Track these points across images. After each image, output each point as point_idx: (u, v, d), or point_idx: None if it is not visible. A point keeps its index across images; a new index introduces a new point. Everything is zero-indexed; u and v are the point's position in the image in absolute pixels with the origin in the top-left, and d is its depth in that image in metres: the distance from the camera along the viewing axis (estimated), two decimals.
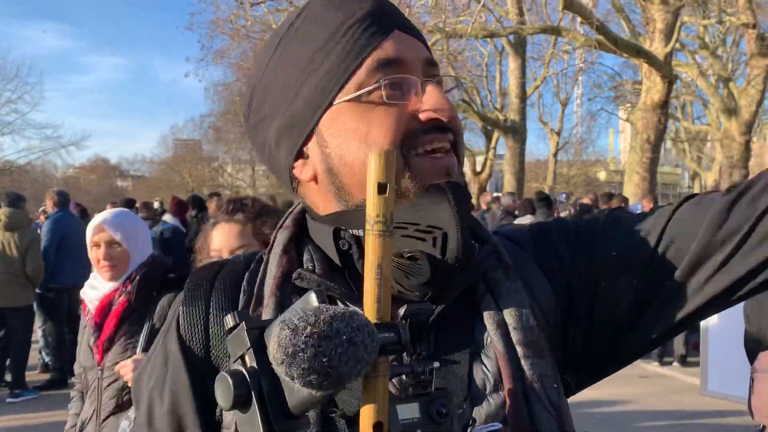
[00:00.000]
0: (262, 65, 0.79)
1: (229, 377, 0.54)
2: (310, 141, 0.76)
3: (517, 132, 17.50)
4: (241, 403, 0.54)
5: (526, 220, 7.43)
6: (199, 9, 32.95)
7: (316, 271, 0.75)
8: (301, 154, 0.77)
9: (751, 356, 2.69)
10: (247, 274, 0.78)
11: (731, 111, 15.44)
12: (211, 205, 8.59)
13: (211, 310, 0.76)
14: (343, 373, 0.49)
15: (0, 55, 43.20)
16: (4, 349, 6.28)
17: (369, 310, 0.55)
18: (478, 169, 23.33)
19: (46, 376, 6.65)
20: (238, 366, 0.55)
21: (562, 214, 8.34)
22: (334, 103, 0.73)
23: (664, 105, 11.95)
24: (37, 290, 6.38)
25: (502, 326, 0.73)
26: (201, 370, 0.73)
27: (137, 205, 8.61)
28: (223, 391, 0.54)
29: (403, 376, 0.61)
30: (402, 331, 0.55)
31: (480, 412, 0.70)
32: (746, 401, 2.74)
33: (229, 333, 0.57)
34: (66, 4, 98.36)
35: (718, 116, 17.98)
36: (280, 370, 0.50)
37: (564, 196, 20.66)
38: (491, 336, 0.73)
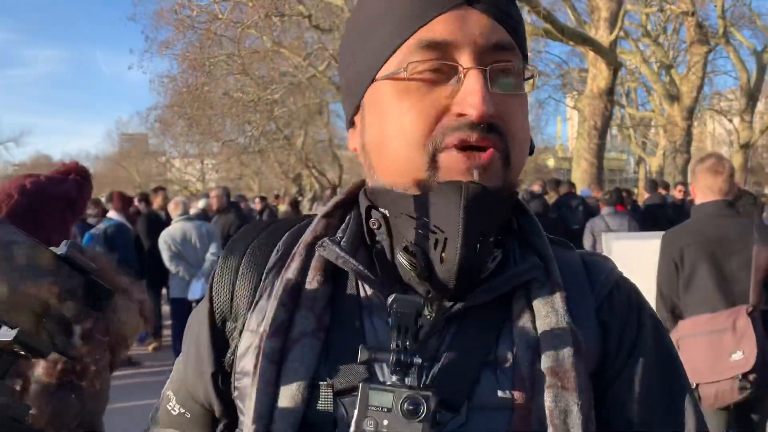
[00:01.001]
0: (350, 17, 0.78)
1: None
2: (358, 113, 0.75)
3: None
4: None
5: None
6: None
7: (342, 243, 0.72)
8: (353, 123, 0.77)
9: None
10: (287, 233, 0.78)
11: (673, 97, 15.93)
12: (157, 200, 8.38)
13: (250, 258, 0.77)
14: None
15: None
16: None
17: None
18: None
19: None
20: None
21: None
22: (376, 78, 0.70)
23: (609, 92, 12.21)
24: None
25: (533, 347, 0.66)
26: (222, 317, 0.77)
27: None
28: None
29: (390, 364, 0.58)
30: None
31: (473, 427, 0.63)
32: None
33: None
34: None
35: (661, 102, 18.51)
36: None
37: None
38: (517, 353, 0.66)
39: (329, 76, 15.84)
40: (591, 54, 12.06)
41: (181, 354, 0.84)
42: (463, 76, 0.65)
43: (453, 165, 0.65)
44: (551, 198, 7.82)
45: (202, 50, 14.17)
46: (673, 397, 0.70)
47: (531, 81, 0.73)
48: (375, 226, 0.72)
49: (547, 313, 0.67)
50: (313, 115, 22.79)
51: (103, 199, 9.60)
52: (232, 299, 0.76)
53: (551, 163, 38.95)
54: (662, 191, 8.47)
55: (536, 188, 8.01)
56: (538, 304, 0.68)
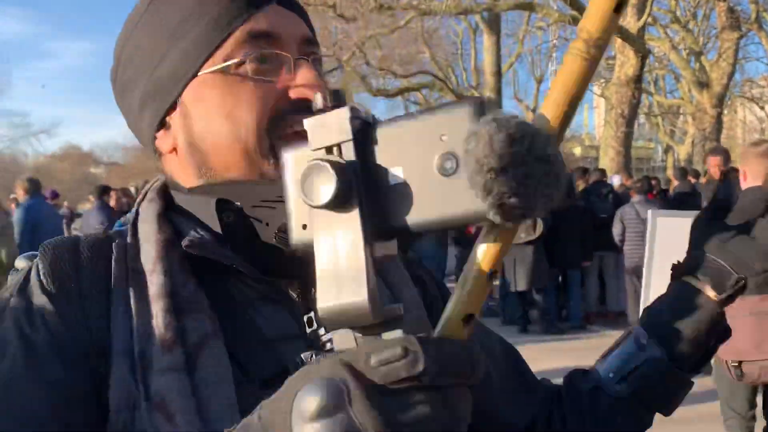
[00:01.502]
0: (131, 24, 0.74)
1: (329, 166, 0.43)
2: (174, 111, 0.72)
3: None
4: (341, 200, 0.43)
5: None
6: None
7: (204, 239, 0.69)
8: (163, 124, 0.73)
9: None
10: (113, 246, 0.69)
11: (703, 84, 15.62)
12: None
13: (83, 274, 0.65)
14: (533, 209, 0.39)
15: None
16: None
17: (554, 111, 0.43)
18: None
19: None
20: (325, 156, 0.45)
21: None
22: (200, 73, 0.69)
23: (637, 79, 12.03)
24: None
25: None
26: (83, 343, 0.62)
27: (114, 191, 8.49)
28: (320, 181, 0.43)
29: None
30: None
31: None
32: None
33: (315, 112, 0.47)
34: None
35: (690, 90, 18.17)
36: (482, 179, 0.38)
37: None
38: None
39: (353, 66, 15.85)
40: (618, 41, 11.89)
41: None
42: (293, 66, 0.69)
43: None
44: (578, 186, 7.77)
45: None
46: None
47: (334, 71, 0.79)
48: (229, 219, 0.69)
49: (390, 271, 0.72)
50: None
51: (132, 189, 9.78)
52: (84, 321, 0.63)
53: (578, 151, 38.52)
54: (691, 179, 8.34)
55: None
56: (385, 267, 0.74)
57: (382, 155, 0.45)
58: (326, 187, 0.43)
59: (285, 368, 0.60)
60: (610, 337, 6.68)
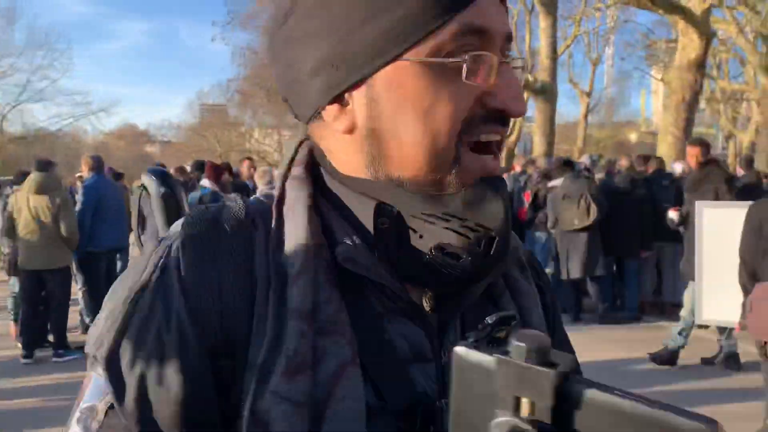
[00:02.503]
0: None
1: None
2: (358, 89, 0.64)
3: (547, 93, 17.17)
4: None
5: (559, 182, 7.34)
6: None
7: (358, 248, 0.63)
8: (340, 98, 0.65)
9: (745, 289, 3.43)
10: (257, 234, 0.64)
11: None
12: (243, 169, 8.64)
13: (223, 263, 0.61)
14: None
15: (29, 22, 43.40)
16: (45, 311, 6.45)
17: None
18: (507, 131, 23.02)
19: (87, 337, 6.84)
20: (517, 422, 0.39)
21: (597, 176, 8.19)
22: (404, 56, 0.61)
23: (701, 64, 11.59)
24: (76, 253, 6.51)
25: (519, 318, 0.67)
26: (214, 349, 0.59)
27: (170, 169, 8.69)
28: None
29: None
30: None
31: None
32: (735, 325, 3.72)
33: (502, 352, 0.41)
34: None
35: (755, 75, 17.39)
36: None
37: (589, 159, 20.37)
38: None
39: None
40: (681, 23, 11.45)
41: (100, 409, 0.61)
42: (496, 68, 0.61)
43: (476, 169, 0.63)
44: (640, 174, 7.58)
45: None
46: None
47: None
48: (383, 225, 0.63)
49: (523, 291, 0.74)
50: None
51: (188, 168, 9.97)
52: (221, 323, 0.60)
53: (633, 137, 37.50)
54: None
55: (624, 163, 7.73)
56: (515, 283, 0.75)
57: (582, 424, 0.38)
58: None
59: (418, 400, 0.60)
60: (665, 328, 6.54)
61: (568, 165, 7.58)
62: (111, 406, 0.60)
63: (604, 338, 5.99)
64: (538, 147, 17.19)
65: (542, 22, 17.11)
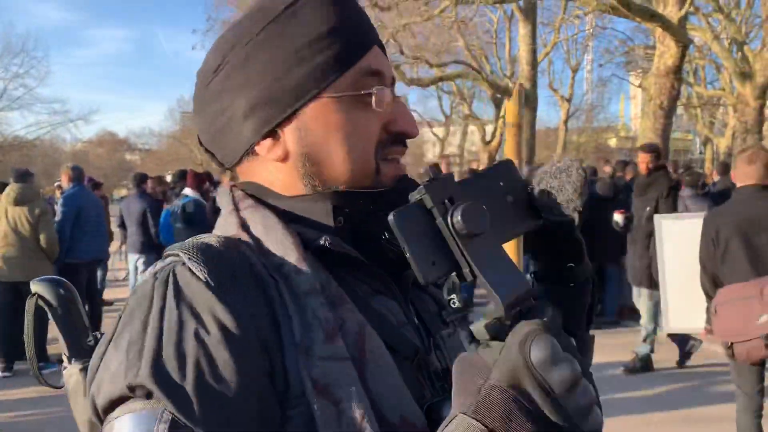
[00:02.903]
0: (245, 34, 0.77)
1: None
2: (288, 124, 0.77)
3: (528, 99, 17.32)
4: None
5: None
6: None
7: (334, 238, 0.74)
8: (272, 133, 0.78)
9: (707, 295, 3.61)
10: (245, 248, 0.73)
11: (745, 75, 15.18)
12: (225, 180, 8.63)
13: (236, 273, 0.68)
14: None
15: (5, 29, 42.87)
16: (22, 323, 6.36)
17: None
18: (488, 138, 23.17)
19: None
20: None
21: None
22: (323, 95, 0.76)
23: (677, 70, 11.73)
24: (56, 265, 6.44)
25: None
26: (258, 338, 0.65)
27: (150, 179, 8.64)
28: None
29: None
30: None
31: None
32: (701, 331, 3.85)
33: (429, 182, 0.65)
34: None
35: (731, 80, 17.69)
36: (575, 198, 0.72)
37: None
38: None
39: (387, 55, 15.83)
40: (659, 30, 11.61)
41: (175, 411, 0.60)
42: (392, 101, 0.80)
43: (392, 174, 0.80)
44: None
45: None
46: None
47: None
48: (339, 224, 0.77)
49: None
50: None
51: (168, 178, 9.92)
52: (252, 319, 0.66)
53: (613, 142, 37.90)
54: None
55: (607, 170, 7.81)
56: None
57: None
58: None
59: (417, 349, 0.76)
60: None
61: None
62: (175, 426, 0.60)
63: None
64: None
65: (521, 30, 17.30)
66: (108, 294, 8.93)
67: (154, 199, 7.96)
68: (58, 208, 6.67)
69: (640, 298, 5.96)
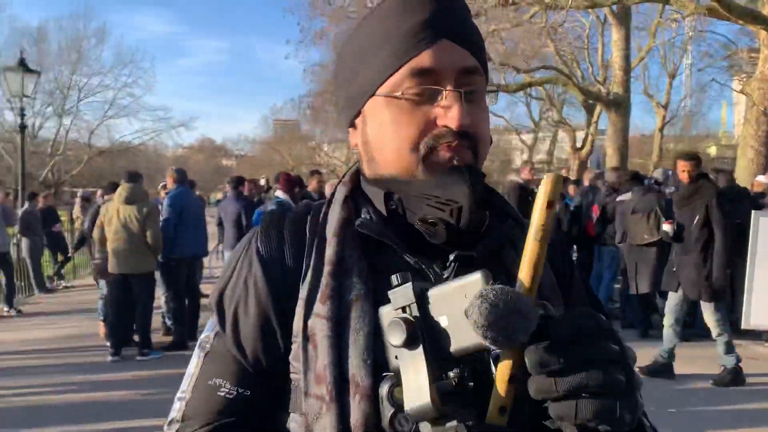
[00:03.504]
0: (345, 42, 0.97)
1: (402, 322, 0.69)
2: (358, 117, 0.94)
3: (620, 106, 16.83)
4: (410, 343, 0.68)
5: (627, 196, 7.25)
6: None
7: (373, 221, 0.90)
8: (353, 124, 0.96)
9: None
10: (309, 218, 0.92)
11: None
12: (312, 183, 8.96)
13: (286, 243, 0.90)
14: (515, 338, 0.64)
15: (116, 42, 46.00)
16: (131, 312, 6.89)
17: (529, 293, 0.68)
18: (579, 144, 22.65)
19: (168, 339, 7.27)
20: (400, 314, 0.70)
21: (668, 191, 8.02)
22: (376, 94, 0.89)
23: None
24: (160, 260, 6.94)
25: None
26: (279, 294, 0.87)
27: (247, 182, 9.10)
28: (396, 332, 0.69)
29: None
30: (550, 308, 0.69)
31: None
32: None
33: (394, 287, 0.72)
34: None
35: None
36: (479, 331, 0.63)
37: (670, 172, 19.71)
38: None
39: None
40: (763, 33, 11.05)
41: (211, 336, 0.91)
42: (445, 96, 0.85)
43: (436, 159, 0.86)
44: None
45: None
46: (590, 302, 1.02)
47: (492, 93, 0.93)
48: (393, 207, 0.90)
49: None
50: None
51: (262, 181, 10.40)
52: (284, 277, 0.87)
53: (713, 151, 36.02)
54: None
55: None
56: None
57: (434, 309, 0.69)
58: (399, 335, 0.69)
59: None
60: (739, 346, 6.33)
61: (636, 179, 7.48)
62: (217, 334, 0.91)
63: (678, 355, 5.87)
64: (611, 160, 16.85)
65: (614, 35, 16.85)
66: (207, 290, 9.48)
67: (249, 200, 8.39)
68: (164, 208, 7.18)
69: (704, 313, 5.74)
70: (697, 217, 5.57)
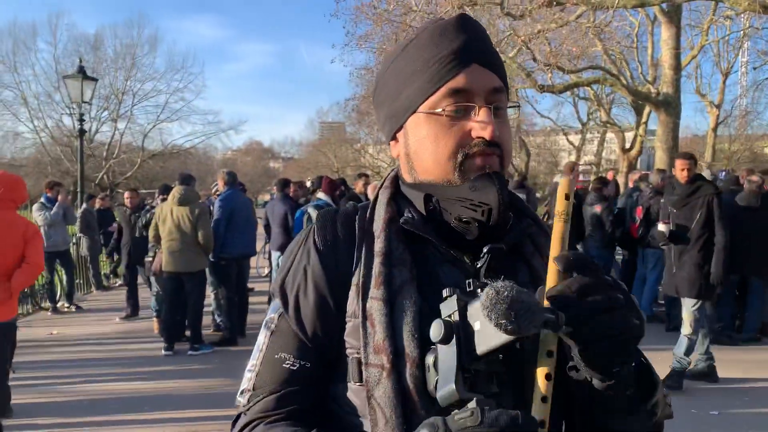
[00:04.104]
0: (386, 65, 1.10)
1: (442, 323, 0.83)
2: (400, 131, 1.07)
3: (670, 105, 16.48)
4: (446, 339, 0.82)
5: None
6: None
7: (415, 219, 1.03)
8: (395, 137, 1.09)
9: None
10: (357, 217, 1.06)
11: None
12: (358, 185, 9.13)
13: (339, 237, 1.04)
14: (522, 325, 0.74)
15: (168, 48, 47.24)
16: (183, 309, 7.19)
17: (551, 279, 0.83)
18: (627, 145, 22.27)
19: (218, 335, 7.55)
20: (446, 318, 0.84)
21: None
22: (418, 111, 1.03)
23: None
24: (210, 259, 7.21)
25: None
26: (334, 280, 1.01)
27: (293, 184, 9.33)
28: (436, 329, 0.83)
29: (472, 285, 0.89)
30: (560, 315, 0.79)
31: None
32: None
33: (444, 299, 0.85)
34: None
35: None
36: (484, 313, 0.75)
37: (723, 173, 19.23)
38: (540, 274, 1.00)
39: (519, 62, 15.75)
40: None
41: (276, 317, 1.04)
42: (477, 112, 0.99)
43: (471, 167, 0.99)
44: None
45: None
46: None
47: (515, 107, 1.11)
48: (431, 208, 1.03)
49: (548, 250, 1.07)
50: None
51: (308, 183, 10.63)
52: (337, 267, 1.01)
53: None
54: None
55: (755, 178, 7.28)
56: (542, 246, 1.06)
57: (471, 317, 0.82)
58: (437, 333, 0.83)
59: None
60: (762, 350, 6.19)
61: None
62: (281, 315, 1.05)
63: (720, 359, 5.79)
64: (661, 161, 16.53)
65: (664, 33, 16.51)
66: (256, 288, 9.75)
67: (295, 202, 8.61)
68: (215, 209, 7.46)
69: (684, 309, 5.66)
70: (698, 216, 5.52)
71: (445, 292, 0.85)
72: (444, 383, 0.81)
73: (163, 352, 6.94)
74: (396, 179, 1.13)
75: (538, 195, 20.14)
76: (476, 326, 0.80)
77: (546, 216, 8.80)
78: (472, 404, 0.77)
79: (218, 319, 7.75)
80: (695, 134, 33.46)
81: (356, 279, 1.00)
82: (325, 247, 1.03)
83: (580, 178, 12.86)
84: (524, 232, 1.07)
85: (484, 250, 0.99)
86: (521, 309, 0.74)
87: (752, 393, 5.48)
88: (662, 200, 6.05)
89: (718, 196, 5.59)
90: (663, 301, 8.15)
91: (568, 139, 33.09)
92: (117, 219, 10.20)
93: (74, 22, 77.74)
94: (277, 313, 1.05)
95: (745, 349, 6.70)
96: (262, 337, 1.05)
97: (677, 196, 5.75)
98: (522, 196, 10.22)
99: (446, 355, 0.82)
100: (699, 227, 5.53)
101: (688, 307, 5.55)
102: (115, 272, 13.14)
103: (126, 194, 9.43)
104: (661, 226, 5.76)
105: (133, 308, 9.12)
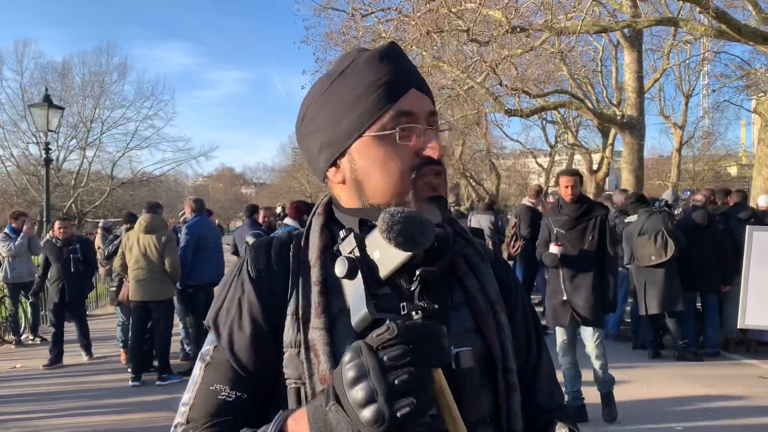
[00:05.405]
0: (316, 93, 1.10)
1: (345, 259, 0.87)
2: (343, 157, 1.07)
3: (634, 127, 16.85)
4: (351, 274, 0.86)
5: (634, 218, 7.33)
6: (313, 22, 34.42)
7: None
8: (334, 164, 1.09)
9: None
10: (291, 245, 1.07)
11: None
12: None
13: (272, 267, 1.04)
14: (416, 239, 0.82)
15: (138, 75, 47.04)
16: (150, 338, 7.09)
17: None
18: (595, 167, 22.67)
19: (187, 364, 7.42)
20: (348, 255, 0.88)
21: (676, 212, 8.08)
22: (364, 135, 1.04)
23: None
24: (178, 287, 7.14)
25: (480, 290, 1.09)
26: (270, 310, 1.01)
27: (262, 210, 9.32)
28: (340, 266, 0.87)
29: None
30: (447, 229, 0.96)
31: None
32: None
33: (342, 240, 0.90)
34: (189, 23, 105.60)
35: None
36: (383, 236, 0.83)
37: (688, 192, 19.64)
38: (474, 294, 1.08)
39: (487, 87, 16.00)
40: None
41: (211, 349, 1.04)
42: (423, 133, 1.04)
43: (424, 188, 1.03)
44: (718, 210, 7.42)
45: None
46: (533, 325, 1.21)
47: (446, 129, 1.15)
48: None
49: (483, 270, 1.12)
50: (470, 126, 23.02)
51: (278, 209, 10.62)
52: (271, 294, 1.01)
53: (734, 171, 35.75)
54: None
55: (699, 198, 7.61)
56: (475, 265, 1.12)
57: (369, 249, 0.88)
58: (341, 269, 0.87)
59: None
60: (749, 366, 6.34)
61: (642, 201, 7.56)
62: (215, 347, 1.04)
63: (685, 375, 5.90)
64: (627, 182, 16.86)
65: (626, 58, 16.97)
66: None
67: (269, 227, 8.59)
68: (182, 237, 7.41)
69: (583, 335, 5.26)
70: (590, 238, 5.14)
71: (341, 233, 0.90)
72: (356, 311, 0.85)
73: (130, 383, 6.82)
74: (328, 205, 1.14)
75: (509, 217, 20.38)
76: (376, 255, 0.87)
77: (513, 237, 8.88)
78: (387, 322, 0.81)
79: (187, 348, 7.65)
80: (661, 155, 34.20)
81: (292, 308, 1.01)
82: (258, 276, 1.04)
83: (549, 199, 13.04)
84: (458, 252, 1.09)
85: (417, 272, 1.00)
86: (414, 224, 0.82)
87: (714, 408, 5.58)
88: (547, 220, 5.52)
89: (608, 216, 5.34)
90: (629, 320, 8.28)
91: (537, 162, 33.55)
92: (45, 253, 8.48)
93: (41, 50, 77.00)
94: (212, 345, 1.05)
95: (708, 364, 6.82)
96: (197, 370, 1.05)
97: (566, 216, 5.29)
98: (491, 218, 10.38)
99: (354, 288, 0.86)
100: (594, 248, 5.13)
101: (589, 332, 5.16)
102: (35, 329, 10.38)
103: (56, 224, 8.42)
104: (553, 248, 5.22)
105: (57, 355, 7.98)
